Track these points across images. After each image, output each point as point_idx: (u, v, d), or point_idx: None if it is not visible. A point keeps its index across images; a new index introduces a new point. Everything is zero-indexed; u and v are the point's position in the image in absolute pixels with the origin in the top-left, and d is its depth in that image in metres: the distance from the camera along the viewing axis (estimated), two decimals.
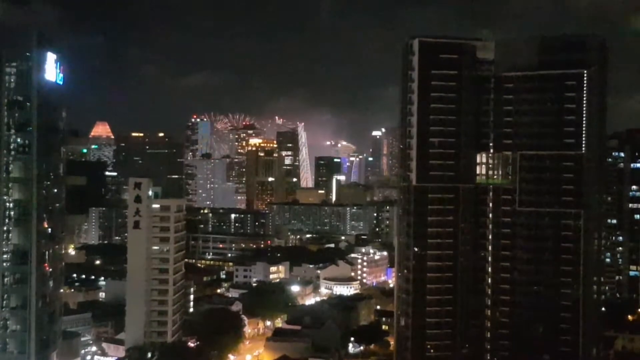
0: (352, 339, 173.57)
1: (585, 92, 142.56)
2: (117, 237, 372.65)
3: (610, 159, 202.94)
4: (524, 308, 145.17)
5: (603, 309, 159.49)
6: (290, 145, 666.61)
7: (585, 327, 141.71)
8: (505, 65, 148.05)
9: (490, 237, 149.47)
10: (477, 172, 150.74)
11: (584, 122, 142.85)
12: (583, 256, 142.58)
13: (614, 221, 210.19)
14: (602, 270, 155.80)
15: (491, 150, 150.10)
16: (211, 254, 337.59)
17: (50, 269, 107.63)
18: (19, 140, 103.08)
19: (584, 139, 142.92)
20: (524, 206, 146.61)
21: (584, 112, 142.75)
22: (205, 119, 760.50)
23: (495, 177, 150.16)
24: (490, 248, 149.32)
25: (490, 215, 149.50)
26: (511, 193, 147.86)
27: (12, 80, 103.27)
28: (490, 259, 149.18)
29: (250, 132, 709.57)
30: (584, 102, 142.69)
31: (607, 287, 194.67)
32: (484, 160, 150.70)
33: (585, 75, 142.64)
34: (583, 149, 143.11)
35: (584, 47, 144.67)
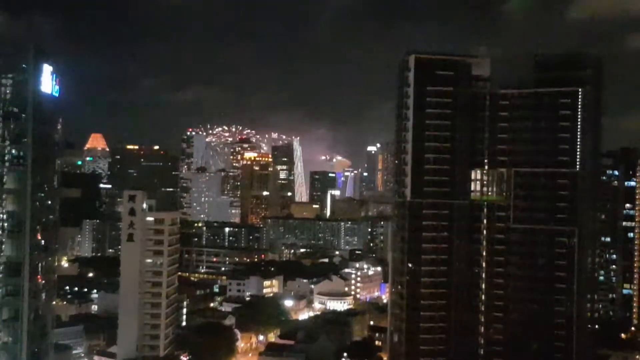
0: (345, 354, 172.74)
1: (580, 110, 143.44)
2: (110, 250, 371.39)
3: (604, 177, 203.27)
4: (518, 325, 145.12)
5: (596, 326, 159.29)
6: (285, 159, 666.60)
7: (578, 345, 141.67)
8: (500, 82, 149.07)
9: (484, 253, 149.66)
10: (472, 188, 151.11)
11: (578, 140, 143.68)
12: (577, 274, 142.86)
13: (608, 239, 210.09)
14: (595, 288, 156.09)
15: (486, 167, 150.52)
16: (205, 267, 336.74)
17: (43, 281, 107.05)
18: (13, 151, 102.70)
19: (578, 156, 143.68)
20: (518, 223, 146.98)
21: (579, 130, 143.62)
22: (200, 132, 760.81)
23: (489, 193, 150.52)
24: (484, 264, 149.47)
25: (485, 231, 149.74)
26: (505, 210, 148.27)
27: (7, 91, 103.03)
28: (484, 275, 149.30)
29: (245, 146, 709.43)
30: (579, 120, 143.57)
31: (600, 305, 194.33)
32: (479, 176, 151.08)
33: (580, 93, 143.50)
34: (577, 166, 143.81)
35: (580, 65, 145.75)
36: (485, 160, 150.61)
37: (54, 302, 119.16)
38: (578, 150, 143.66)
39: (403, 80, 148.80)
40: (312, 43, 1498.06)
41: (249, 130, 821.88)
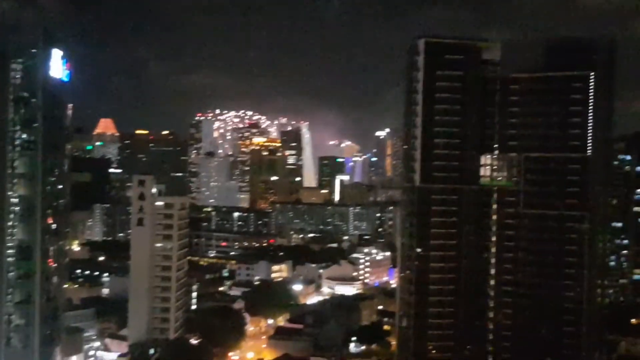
0: (353, 338, 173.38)
1: (591, 94, 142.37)
2: (120, 234, 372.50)
3: (616, 162, 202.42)
4: (527, 310, 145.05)
5: (607, 312, 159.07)
6: (294, 144, 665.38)
7: (588, 331, 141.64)
8: (511, 66, 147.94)
9: (493, 239, 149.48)
10: (482, 173, 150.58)
11: (589, 124, 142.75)
12: (587, 259, 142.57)
13: (619, 224, 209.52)
14: (606, 273, 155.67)
15: (496, 152, 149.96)
16: (214, 252, 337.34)
17: (55, 265, 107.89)
18: (24, 136, 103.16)
19: (589, 141, 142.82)
20: (528, 208, 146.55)
21: (590, 114, 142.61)
22: (209, 117, 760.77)
23: (499, 178, 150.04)
24: (493, 250, 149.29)
25: (494, 217, 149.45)
26: (515, 195, 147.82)
27: (18, 76, 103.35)
28: (493, 260, 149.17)
29: (254, 130, 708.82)
30: (590, 104, 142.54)
31: (611, 291, 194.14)
32: (489, 161, 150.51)
33: (591, 77, 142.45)
34: (589, 151, 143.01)
35: (591, 48, 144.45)
36: (496, 145, 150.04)
37: (65, 286, 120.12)
38: (589, 134, 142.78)
39: (412, 65, 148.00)
40: (321, 28, 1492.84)
41: (258, 116, 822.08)
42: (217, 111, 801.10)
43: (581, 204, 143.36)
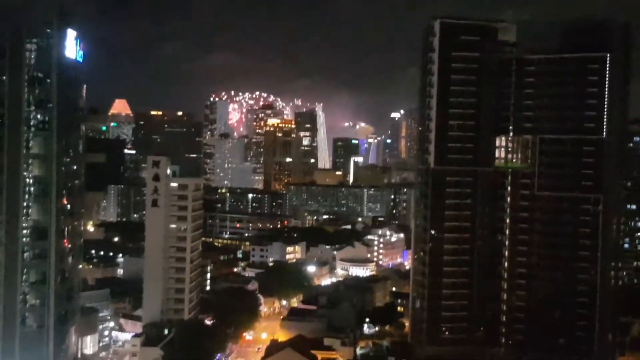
0: (367, 319, 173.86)
1: (607, 75, 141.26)
2: (135, 215, 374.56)
3: (631, 144, 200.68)
4: (540, 292, 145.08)
5: (620, 294, 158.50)
6: (308, 126, 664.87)
7: (601, 313, 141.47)
8: (527, 47, 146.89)
9: (508, 221, 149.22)
10: (496, 155, 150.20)
11: (605, 106, 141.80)
12: (601, 241, 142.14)
13: (634, 206, 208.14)
14: (620, 255, 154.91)
15: (511, 134, 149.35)
16: (228, 233, 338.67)
17: (69, 245, 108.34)
18: (39, 116, 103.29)
19: (605, 123, 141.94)
20: (543, 190, 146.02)
21: (606, 96, 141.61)
22: (224, 98, 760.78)
23: (514, 160, 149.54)
24: (507, 232, 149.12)
25: (509, 199, 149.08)
26: (530, 177, 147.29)
27: (32, 57, 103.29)
28: (507, 242, 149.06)
29: (268, 112, 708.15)
30: (606, 86, 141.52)
31: (624, 273, 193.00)
32: (504, 143, 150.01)
33: (607, 58, 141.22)
34: (604, 133, 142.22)
35: (607, 30, 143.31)
36: (510, 127, 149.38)
37: (80, 266, 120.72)
38: (605, 117, 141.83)
39: (428, 46, 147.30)
40: (336, 9, 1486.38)
41: (272, 97, 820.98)
42: (232, 92, 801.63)
43: (596, 186, 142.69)
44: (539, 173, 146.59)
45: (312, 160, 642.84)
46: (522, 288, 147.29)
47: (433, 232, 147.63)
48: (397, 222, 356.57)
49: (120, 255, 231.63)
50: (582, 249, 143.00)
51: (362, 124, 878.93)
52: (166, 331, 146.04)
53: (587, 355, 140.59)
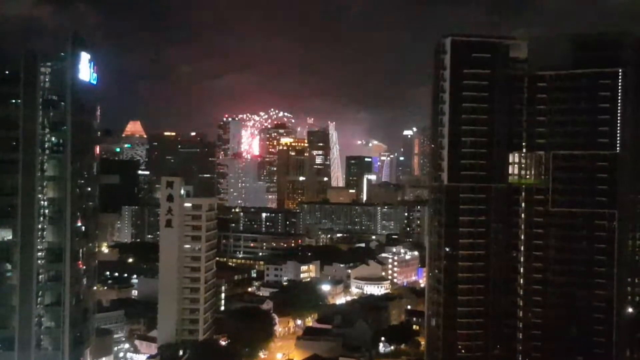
0: (382, 338, 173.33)
1: (620, 91, 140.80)
2: (149, 236, 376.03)
3: None
4: (557, 309, 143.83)
5: (637, 310, 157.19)
6: (321, 144, 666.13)
7: (618, 329, 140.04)
8: (538, 63, 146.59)
9: (522, 237, 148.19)
10: (510, 171, 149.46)
11: (618, 121, 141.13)
12: (617, 257, 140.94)
13: None
14: (636, 271, 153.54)
15: (524, 150, 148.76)
16: (242, 252, 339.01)
17: (84, 267, 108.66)
18: (53, 139, 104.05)
19: (618, 138, 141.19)
20: (557, 206, 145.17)
21: (619, 111, 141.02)
22: (236, 118, 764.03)
23: (527, 176, 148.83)
24: (522, 248, 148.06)
25: (523, 215, 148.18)
26: (544, 193, 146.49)
27: (46, 80, 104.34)
28: (522, 259, 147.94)
29: (281, 131, 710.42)
30: (619, 101, 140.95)
31: None
32: (517, 159, 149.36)
33: (620, 73, 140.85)
34: (617, 148, 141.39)
35: (619, 45, 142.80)
36: (524, 143, 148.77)
37: (95, 288, 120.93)
38: (618, 132, 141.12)
39: (439, 63, 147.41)
40: (349, 27, 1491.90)
41: (286, 115, 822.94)
42: (245, 113, 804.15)
43: (610, 202, 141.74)
44: (553, 189, 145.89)
45: (326, 179, 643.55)
46: (538, 305, 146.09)
47: (447, 249, 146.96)
48: (411, 239, 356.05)
49: (135, 276, 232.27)
50: (597, 265, 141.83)
51: (375, 142, 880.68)
52: (181, 352, 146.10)
53: None
